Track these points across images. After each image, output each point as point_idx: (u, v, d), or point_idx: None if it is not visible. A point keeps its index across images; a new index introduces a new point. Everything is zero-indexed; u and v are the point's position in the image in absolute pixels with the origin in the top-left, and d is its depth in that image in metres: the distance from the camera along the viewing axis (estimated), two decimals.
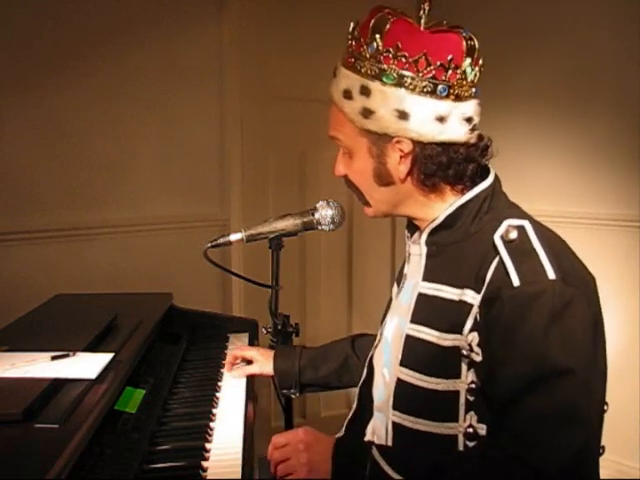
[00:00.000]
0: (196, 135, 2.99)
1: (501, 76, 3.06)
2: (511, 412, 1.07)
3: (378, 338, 1.42)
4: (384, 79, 1.16)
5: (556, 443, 1.03)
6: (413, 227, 1.32)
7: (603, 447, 1.19)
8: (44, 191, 2.61)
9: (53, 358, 1.37)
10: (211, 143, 3.05)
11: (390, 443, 1.24)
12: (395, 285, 1.41)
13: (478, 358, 1.11)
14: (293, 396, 1.63)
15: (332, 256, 3.42)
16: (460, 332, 1.14)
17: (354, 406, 1.44)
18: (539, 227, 1.17)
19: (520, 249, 1.11)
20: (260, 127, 3.13)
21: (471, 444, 1.14)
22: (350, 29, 1.22)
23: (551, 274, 1.07)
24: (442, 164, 1.19)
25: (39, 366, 1.33)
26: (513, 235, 1.12)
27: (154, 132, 2.86)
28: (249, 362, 1.71)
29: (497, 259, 1.12)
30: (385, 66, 1.15)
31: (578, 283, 1.10)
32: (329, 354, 1.63)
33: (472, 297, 1.13)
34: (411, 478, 1.10)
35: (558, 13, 2.91)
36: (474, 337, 1.12)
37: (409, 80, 1.15)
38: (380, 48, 1.15)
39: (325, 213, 1.51)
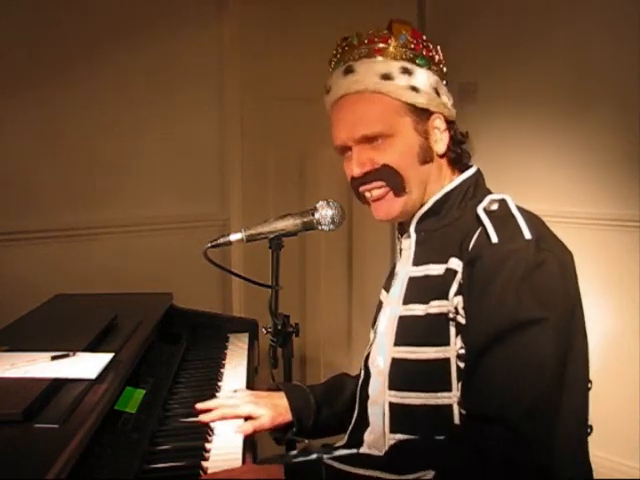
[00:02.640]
0: (196, 135, 3.00)
1: (501, 77, 3.07)
2: (477, 366, 1.10)
3: (372, 338, 1.43)
4: (418, 62, 1.30)
5: (515, 394, 1.06)
6: (403, 225, 1.38)
7: (591, 426, 1.22)
8: (44, 191, 2.61)
9: (53, 358, 1.37)
10: (211, 143, 3.05)
11: (387, 429, 1.25)
12: (383, 291, 1.44)
13: (464, 321, 1.15)
14: (307, 441, 1.51)
15: (332, 256, 3.42)
16: (446, 297, 1.18)
17: (355, 413, 1.44)
18: (519, 205, 1.24)
19: (500, 216, 1.20)
20: (260, 127, 3.13)
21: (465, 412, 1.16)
22: (368, 31, 1.32)
23: (527, 235, 1.15)
24: (463, 136, 1.34)
25: (39, 366, 1.32)
26: (494, 206, 1.22)
27: (154, 132, 2.86)
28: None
29: (480, 229, 1.19)
30: (417, 52, 1.30)
31: (553, 249, 1.16)
32: (337, 387, 1.54)
33: (457, 264, 1.19)
34: (369, 467, 1.09)
35: (558, 13, 2.91)
36: (459, 301, 1.16)
37: (434, 65, 1.32)
38: (410, 38, 1.30)
39: (325, 213, 1.51)
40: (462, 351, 1.15)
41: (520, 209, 1.21)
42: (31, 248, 2.56)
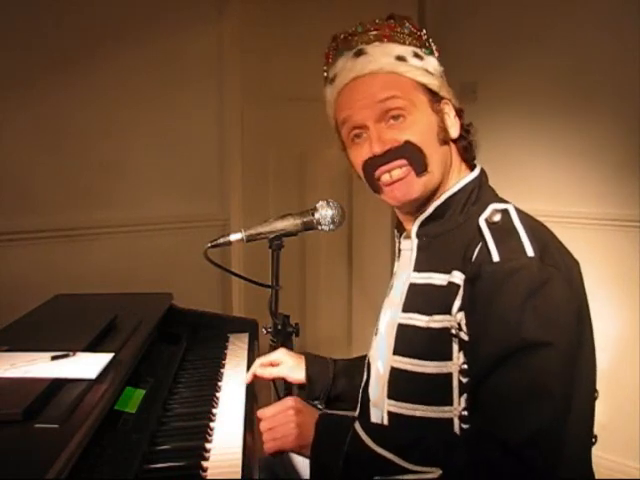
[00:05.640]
0: (196, 135, 3.00)
1: (501, 76, 3.07)
2: (483, 387, 1.08)
3: (374, 336, 1.42)
4: (424, 50, 1.30)
5: (521, 416, 1.04)
6: (401, 226, 1.39)
7: (595, 436, 1.20)
8: (44, 191, 2.61)
9: (53, 358, 1.37)
10: (211, 143, 3.06)
11: None
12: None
13: (467, 337, 1.13)
14: (320, 407, 1.53)
15: (332, 256, 3.42)
16: (449, 312, 1.16)
17: (357, 412, 1.44)
18: (523, 213, 1.21)
19: (502, 229, 1.16)
20: (260, 127, 3.13)
21: (466, 427, 1.15)
22: (377, 19, 1.32)
23: (530, 252, 1.11)
24: (470, 125, 1.33)
25: (39, 366, 1.32)
26: (497, 218, 1.17)
27: (154, 132, 2.86)
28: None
29: (482, 242, 1.15)
30: (422, 41, 1.31)
31: (558, 265, 1.12)
32: (360, 362, 1.54)
33: (459, 278, 1.16)
34: (389, 449, 1.11)
35: (558, 12, 2.91)
36: (462, 317, 1.14)
37: (435, 54, 1.32)
38: (412, 29, 1.31)
39: (325, 213, 1.51)
40: (465, 366, 1.13)
41: (523, 219, 1.17)
42: (31, 248, 2.56)
